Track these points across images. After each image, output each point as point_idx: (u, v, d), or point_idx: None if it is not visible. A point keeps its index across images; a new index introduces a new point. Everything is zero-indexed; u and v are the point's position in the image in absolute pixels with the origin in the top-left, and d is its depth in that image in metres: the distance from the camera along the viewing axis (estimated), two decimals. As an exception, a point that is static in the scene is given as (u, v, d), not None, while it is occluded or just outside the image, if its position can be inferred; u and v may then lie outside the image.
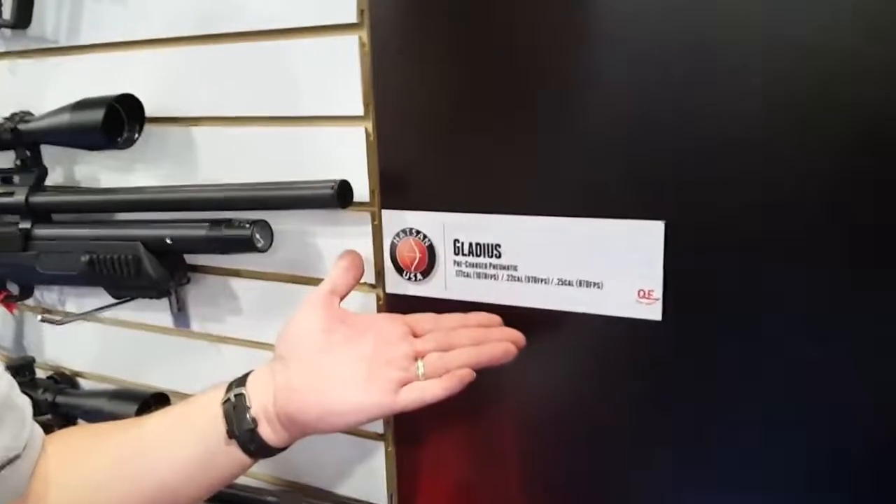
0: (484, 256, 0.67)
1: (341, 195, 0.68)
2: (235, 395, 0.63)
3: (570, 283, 0.63)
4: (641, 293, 0.60)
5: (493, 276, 0.67)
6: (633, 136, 0.58)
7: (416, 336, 0.65)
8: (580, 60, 0.59)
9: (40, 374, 1.01)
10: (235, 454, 0.62)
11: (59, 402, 0.93)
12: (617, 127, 0.58)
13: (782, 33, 0.52)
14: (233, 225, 0.73)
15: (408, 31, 0.66)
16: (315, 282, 0.77)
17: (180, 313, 0.88)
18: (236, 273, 0.83)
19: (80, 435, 0.69)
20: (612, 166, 0.59)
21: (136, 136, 0.80)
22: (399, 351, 0.63)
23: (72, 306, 0.97)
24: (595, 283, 0.62)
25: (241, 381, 0.65)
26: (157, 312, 0.90)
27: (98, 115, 0.75)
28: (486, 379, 0.64)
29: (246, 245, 0.73)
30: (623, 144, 0.58)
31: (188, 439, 0.63)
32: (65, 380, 1.00)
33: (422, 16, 0.65)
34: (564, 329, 0.64)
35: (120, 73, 0.83)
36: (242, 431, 0.62)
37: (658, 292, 0.59)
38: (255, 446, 0.62)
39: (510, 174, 0.64)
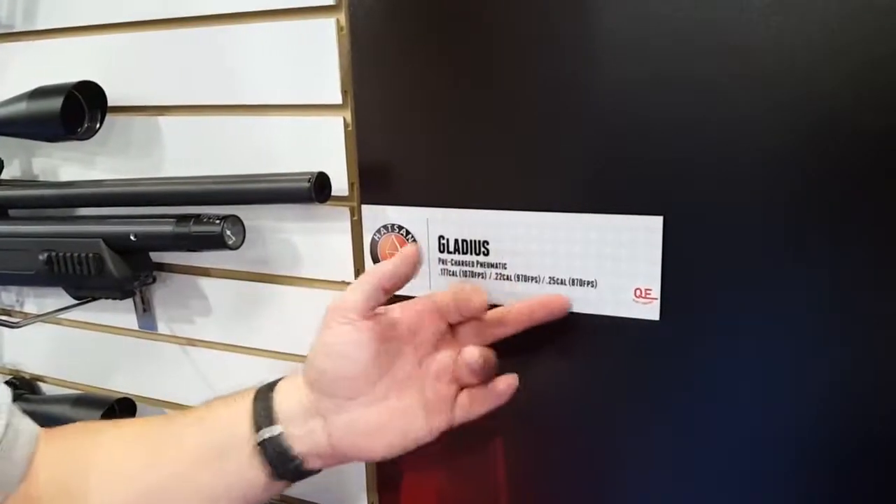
0: (470, 254, 0.63)
1: (319, 189, 0.64)
2: (271, 438, 0.56)
3: (562, 282, 0.60)
4: (638, 292, 0.57)
5: (481, 275, 0.63)
6: (630, 127, 0.54)
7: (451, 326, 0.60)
8: (571, 50, 0.55)
9: (-2, 378, 0.96)
10: (276, 487, 0.57)
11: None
12: (612, 117, 0.55)
13: (784, 28, 0.48)
14: (201, 220, 0.69)
15: (389, 14, 0.62)
16: (291, 281, 0.73)
17: (146, 315, 0.83)
18: (206, 272, 0.79)
19: (91, 445, 0.61)
20: (607, 159, 0.56)
21: (98, 125, 0.75)
22: (446, 357, 0.58)
23: (31, 307, 0.92)
24: (589, 282, 0.58)
25: (268, 414, 0.57)
26: (121, 314, 0.85)
27: (56, 103, 0.70)
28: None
29: (216, 242, 0.68)
30: (618, 135, 0.55)
31: (221, 483, 0.56)
32: (24, 384, 0.94)
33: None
34: (557, 329, 0.60)
35: (80, 60, 0.78)
36: (288, 471, 0.56)
37: (656, 291, 0.56)
38: (298, 478, 0.58)
39: (497, 167, 0.60)
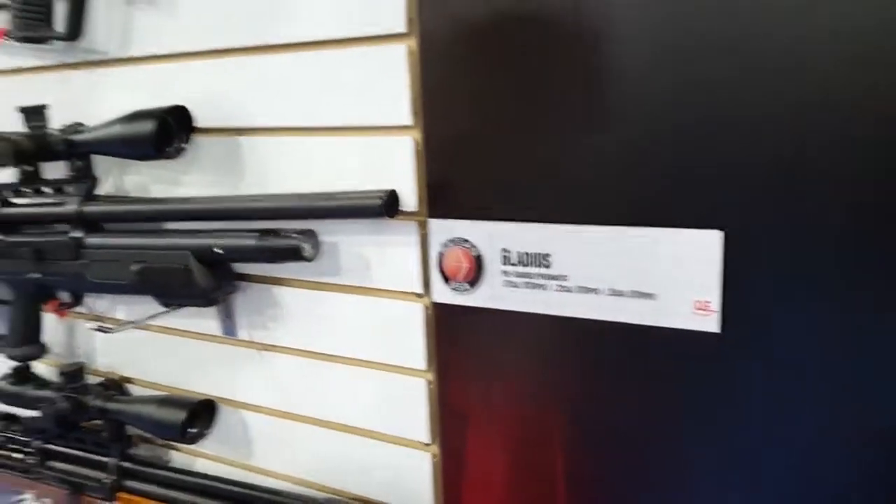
0: (532, 266, 0.66)
1: (389, 206, 0.68)
2: None
3: (622, 294, 0.62)
4: (698, 304, 0.59)
5: (542, 286, 0.66)
6: (692, 143, 0.56)
7: None
8: (634, 67, 0.58)
9: (90, 379, 1.02)
10: None
11: (109, 408, 0.94)
12: (674, 133, 0.57)
13: (854, 31, 0.50)
14: (280, 235, 0.74)
15: (457, 40, 0.66)
16: (361, 291, 0.77)
17: (228, 321, 0.88)
18: (283, 282, 0.84)
19: None
20: (669, 174, 0.58)
21: (185, 146, 0.81)
22: None
23: (121, 314, 0.99)
24: (649, 294, 0.61)
25: None
26: (204, 320, 0.91)
27: (149, 126, 0.76)
28: (536, 390, 0.63)
29: (293, 255, 0.73)
30: (680, 151, 0.57)
31: None
32: (114, 386, 1.01)
33: (471, 24, 0.65)
34: (616, 340, 0.63)
35: (169, 84, 0.84)
36: None
37: (716, 303, 0.58)
38: None
39: (560, 183, 0.63)
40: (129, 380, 1.03)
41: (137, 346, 0.99)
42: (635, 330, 0.62)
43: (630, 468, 0.67)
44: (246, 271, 0.85)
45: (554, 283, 0.65)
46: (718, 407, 0.60)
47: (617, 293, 0.62)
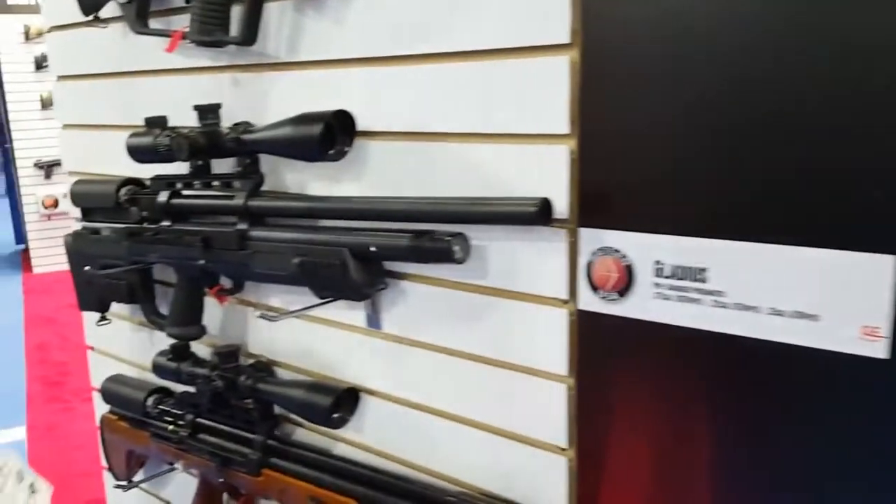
0: (687, 280, 0.66)
1: (542, 214, 0.69)
2: None
3: (782, 313, 0.61)
4: (865, 329, 0.57)
5: (696, 301, 0.65)
6: (871, 167, 0.55)
7: None
8: (809, 80, 0.57)
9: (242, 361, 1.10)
10: None
11: (260, 388, 1.01)
12: (854, 155, 0.55)
13: None
14: (433, 237, 0.77)
15: (621, 52, 0.67)
16: (506, 294, 0.79)
17: (373, 315, 0.93)
18: (429, 281, 0.87)
19: None
20: (845, 195, 0.56)
21: (347, 149, 0.86)
22: None
23: (276, 302, 1.06)
24: (812, 315, 0.59)
25: None
26: (351, 311, 0.96)
27: (315, 129, 0.82)
28: (683, 404, 0.63)
29: (444, 256, 0.76)
30: (858, 174, 0.55)
31: None
32: (264, 368, 1.08)
33: (638, 36, 0.65)
34: (773, 360, 0.62)
35: (334, 89, 0.89)
36: None
37: (885, 329, 0.56)
38: None
39: (722, 197, 0.63)
40: (276, 363, 1.10)
41: (287, 332, 1.05)
42: (795, 351, 0.61)
43: (778, 499, 0.65)
44: (395, 268, 0.89)
45: (709, 297, 0.65)
46: (884, 436, 0.58)
47: (777, 312, 0.61)
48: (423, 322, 0.89)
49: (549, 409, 0.79)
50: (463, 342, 0.85)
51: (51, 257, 5.15)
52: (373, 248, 0.81)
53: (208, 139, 0.94)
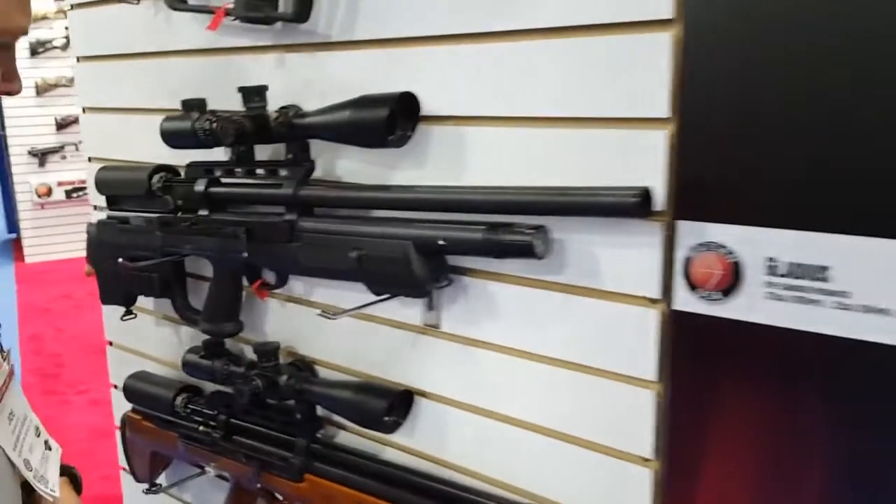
0: (806, 279, 0.60)
1: (644, 204, 0.64)
2: None
3: (920, 318, 0.55)
4: None
5: (816, 302, 0.60)
6: None
7: None
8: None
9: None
10: None
11: (305, 389, 0.95)
12: None
13: None
14: (513, 230, 0.71)
15: (729, 28, 0.61)
16: (586, 293, 0.74)
17: (430, 312, 0.87)
18: (496, 277, 0.81)
19: None
20: None
21: (410, 134, 0.80)
22: None
23: (319, 297, 0.99)
24: (959, 320, 0.54)
25: None
26: (403, 308, 0.90)
27: (381, 113, 0.76)
28: (796, 417, 0.57)
29: (525, 252, 0.70)
30: None
31: None
32: (306, 367, 1.02)
33: (747, 11, 0.60)
34: (907, 367, 0.56)
35: (393, 70, 0.83)
36: None
37: None
38: None
39: (849, 187, 0.57)
40: (316, 361, 1.04)
41: (330, 330, 0.99)
42: (935, 358, 0.55)
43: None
44: (456, 263, 0.83)
45: (832, 299, 0.59)
46: None
47: (915, 316, 0.56)
48: (489, 321, 0.83)
49: (633, 417, 0.73)
50: (533, 343, 0.79)
51: (44, 247, 5.04)
52: (441, 242, 0.75)
53: (256, 123, 0.87)
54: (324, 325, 0.99)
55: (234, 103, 0.96)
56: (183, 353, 1.09)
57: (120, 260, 1.03)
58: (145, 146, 1.16)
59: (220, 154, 0.99)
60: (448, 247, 0.75)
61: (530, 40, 0.72)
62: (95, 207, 1.32)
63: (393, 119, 0.78)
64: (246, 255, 0.92)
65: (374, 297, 0.84)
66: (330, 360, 1.01)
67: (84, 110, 1.31)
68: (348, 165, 0.90)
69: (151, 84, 1.14)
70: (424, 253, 0.78)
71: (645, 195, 0.63)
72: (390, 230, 0.79)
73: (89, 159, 1.32)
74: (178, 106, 0.97)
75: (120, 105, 1.22)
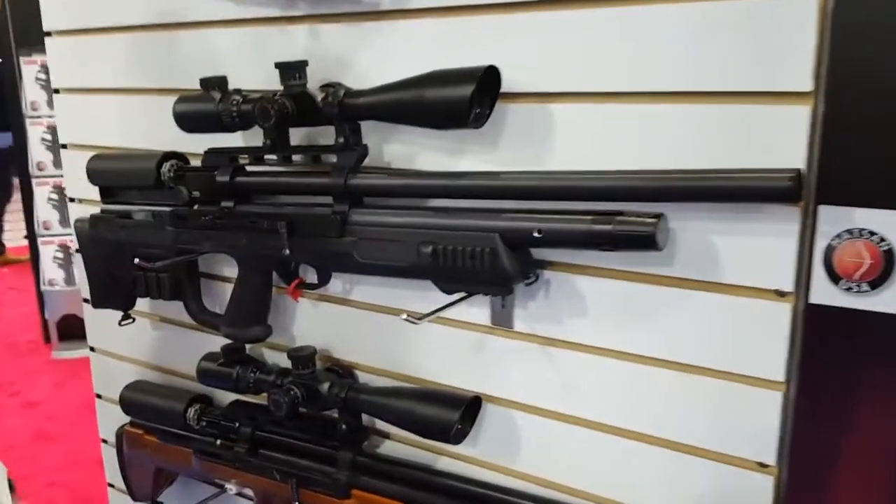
0: (983, 269, 0.54)
1: (796, 189, 0.57)
2: None
3: None
4: None
5: None
6: None
7: None
8: None
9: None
10: None
11: (352, 398, 0.85)
12: None
13: None
14: (627, 219, 0.63)
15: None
16: (702, 286, 0.67)
17: (502, 311, 0.79)
18: (583, 270, 0.73)
19: None
20: None
21: (488, 112, 0.71)
22: None
23: (358, 295, 0.90)
24: None
25: None
26: (465, 307, 0.81)
27: (466, 90, 0.66)
28: None
29: (644, 243, 0.62)
30: None
31: None
32: (346, 373, 0.92)
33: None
34: None
35: (457, 43, 0.74)
36: None
37: None
38: None
39: None
40: (355, 365, 0.94)
41: (370, 332, 0.90)
42: None
43: None
44: (537, 256, 0.75)
45: None
46: None
47: None
48: (573, 318, 0.75)
49: (751, 421, 0.67)
50: (632, 342, 0.72)
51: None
52: (537, 234, 0.67)
53: (300, 104, 0.76)
54: (365, 327, 0.90)
55: (254, 81, 0.86)
56: (179, 358, 0.97)
57: (136, 260, 0.90)
58: (141, 132, 1.03)
59: (235, 140, 0.88)
60: (546, 238, 0.67)
61: (633, 5, 0.64)
62: (73, 200, 1.19)
63: (473, 97, 0.68)
64: (287, 251, 0.81)
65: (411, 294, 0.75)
66: (373, 364, 0.92)
67: (56, 90, 1.16)
68: (399, 150, 0.80)
69: (154, 61, 1.00)
70: (512, 246, 0.69)
71: (798, 178, 0.56)
72: (472, 222, 0.70)
73: (65, 146, 1.17)
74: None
75: (104, 85, 1.08)
